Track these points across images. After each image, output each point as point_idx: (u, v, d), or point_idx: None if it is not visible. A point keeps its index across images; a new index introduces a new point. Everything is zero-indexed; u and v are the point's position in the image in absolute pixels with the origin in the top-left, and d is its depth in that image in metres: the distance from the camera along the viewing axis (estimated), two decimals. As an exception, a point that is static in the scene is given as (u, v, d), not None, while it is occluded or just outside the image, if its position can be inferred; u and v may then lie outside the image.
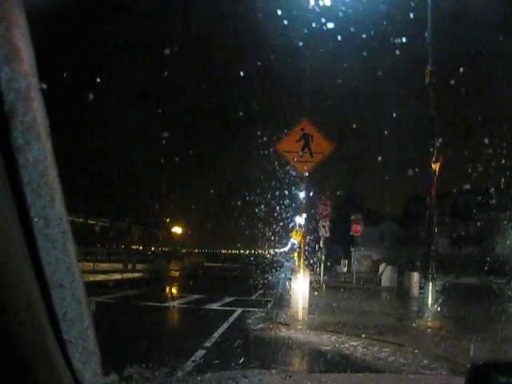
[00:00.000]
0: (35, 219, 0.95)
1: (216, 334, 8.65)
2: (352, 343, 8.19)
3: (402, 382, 1.57)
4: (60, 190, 1.04)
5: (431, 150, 12.01)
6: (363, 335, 8.72)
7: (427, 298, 11.58)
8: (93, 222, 39.92)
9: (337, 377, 1.63)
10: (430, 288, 11.58)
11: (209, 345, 7.65)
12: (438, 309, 11.47)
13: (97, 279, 22.30)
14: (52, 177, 1.00)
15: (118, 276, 25.83)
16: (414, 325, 10.54)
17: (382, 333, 9.01)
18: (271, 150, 11.34)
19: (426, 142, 12.34)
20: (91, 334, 1.12)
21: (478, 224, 39.13)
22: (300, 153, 10.85)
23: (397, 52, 15.03)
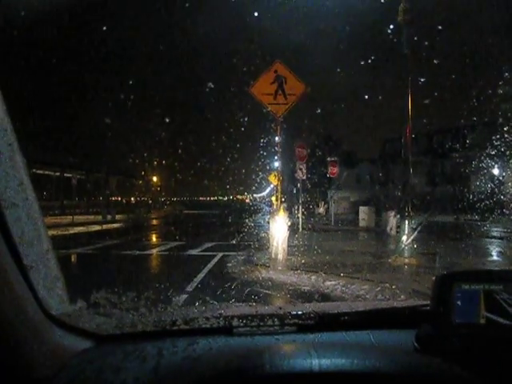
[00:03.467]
0: None
1: (197, 279, 8.73)
2: (331, 282, 8.35)
3: (374, 306, 1.57)
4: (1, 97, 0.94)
5: (406, 89, 11.99)
6: (342, 274, 8.89)
7: (403, 236, 11.82)
8: (69, 175, 39.33)
9: (310, 305, 1.61)
10: (407, 226, 11.81)
11: (190, 289, 7.72)
12: (415, 246, 11.73)
13: (76, 231, 22.25)
14: None
15: (97, 227, 25.75)
16: (391, 262, 10.77)
17: (360, 271, 9.19)
18: (246, 94, 11.07)
19: (400, 82, 12.30)
20: (52, 258, 1.05)
21: (454, 163, 39.68)
22: (274, 95, 10.69)
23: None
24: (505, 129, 17.33)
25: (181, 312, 1.55)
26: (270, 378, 0.85)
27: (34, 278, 1.00)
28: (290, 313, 1.35)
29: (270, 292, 7.83)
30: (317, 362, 0.87)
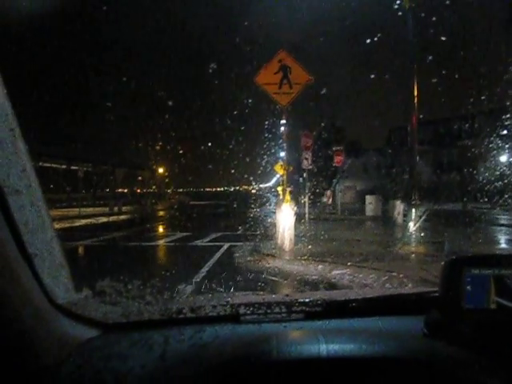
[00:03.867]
0: None
1: (204, 269, 8.75)
2: (338, 271, 8.34)
3: (381, 293, 1.56)
4: (0, 80, 0.92)
5: (411, 78, 11.91)
6: (349, 263, 8.88)
7: (410, 224, 11.80)
8: (75, 167, 39.48)
9: (318, 293, 1.61)
10: (413, 215, 11.79)
11: (197, 280, 7.73)
12: (422, 234, 11.70)
13: (83, 224, 22.34)
14: None
15: (104, 219, 25.85)
16: (398, 251, 10.75)
17: (367, 260, 9.18)
18: (252, 83, 11.04)
19: (406, 71, 12.21)
20: (56, 246, 1.04)
21: (461, 150, 39.42)
22: (279, 84, 10.65)
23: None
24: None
25: (187, 300, 1.55)
26: (278, 364, 0.85)
27: (39, 267, 0.99)
28: (297, 300, 1.34)
29: (277, 281, 7.85)
30: (325, 348, 0.86)
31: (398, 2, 11.61)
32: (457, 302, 1.15)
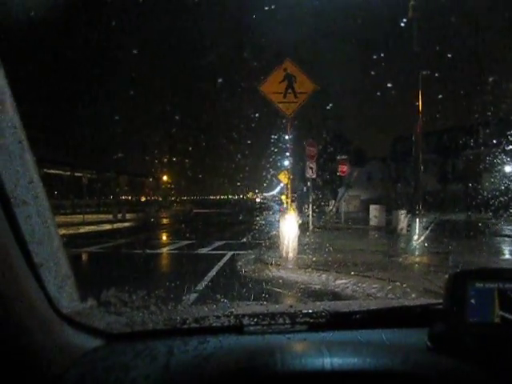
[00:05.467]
0: None
1: (207, 278, 8.74)
2: (342, 281, 8.32)
3: (385, 305, 1.56)
4: (10, 94, 0.93)
5: (416, 87, 11.93)
6: (352, 273, 8.86)
7: (415, 234, 11.77)
8: (80, 174, 39.60)
9: (321, 304, 1.61)
10: (417, 225, 11.77)
11: (200, 288, 7.73)
12: (426, 245, 11.67)
13: (87, 230, 22.37)
14: (1, 79, 0.89)
15: (108, 226, 25.89)
16: (402, 261, 10.71)
17: (371, 270, 9.15)
18: (257, 92, 11.08)
19: (410, 80, 12.24)
20: (62, 256, 1.05)
21: (466, 161, 39.38)
22: (284, 94, 10.69)
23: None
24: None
25: (191, 310, 1.55)
26: (282, 376, 0.85)
27: (45, 276, 1.00)
28: (300, 311, 1.34)
29: (280, 291, 7.83)
30: (329, 361, 0.86)
31: (403, 15, 11.67)
32: (461, 315, 1.14)
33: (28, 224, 0.95)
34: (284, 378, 0.85)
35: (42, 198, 1.00)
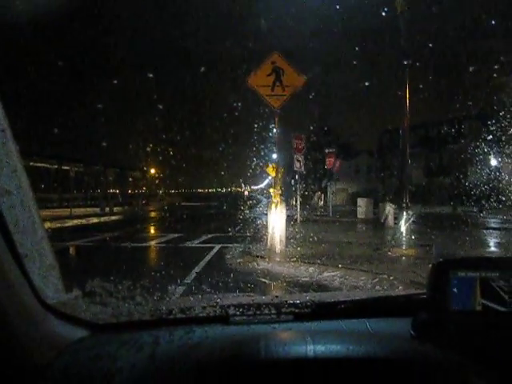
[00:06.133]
0: None
1: (195, 271, 8.73)
2: (329, 273, 8.36)
3: (370, 295, 1.57)
4: None
5: (403, 81, 11.98)
6: (340, 265, 8.89)
7: (401, 227, 11.84)
8: (67, 167, 39.28)
9: (307, 294, 1.62)
10: (404, 218, 11.83)
11: (188, 281, 7.72)
12: (412, 237, 11.75)
13: (74, 224, 22.23)
14: None
15: (95, 220, 25.75)
16: (389, 253, 10.79)
17: (358, 262, 9.20)
18: (244, 86, 11.03)
19: (397, 75, 12.29)
20: (47, 246, 1.04)
21: (451, 154, 39.68)
22: (272, 87, 10.66)
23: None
24: (500, 118, 17.31)
25: (177, 301, 1.56)
26: (266, 363, 0.86)
27: (29, 267, 0.99)
28: (286, 301, 1.35)
29: (267, 283, 7.85)
30: (312, 348, 0.87)
31: (388, 7, 11.68)
32: (443, 303, 1.16)
33: (12, 214, 0.94)
34: (268, 365, 0.86)
35: (26, 187, 0.99)
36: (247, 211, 27.51)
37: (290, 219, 13.52)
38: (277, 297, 1.45)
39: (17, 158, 0.96)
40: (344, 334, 1.16)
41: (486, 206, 19.57)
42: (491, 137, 19.54)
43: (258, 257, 10.22)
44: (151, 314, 1.25)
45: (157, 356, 1.02)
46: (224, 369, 0.87)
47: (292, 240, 11.97)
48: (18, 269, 0.95)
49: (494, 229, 18.46)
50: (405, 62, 11.86)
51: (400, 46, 11.92)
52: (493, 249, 12.62)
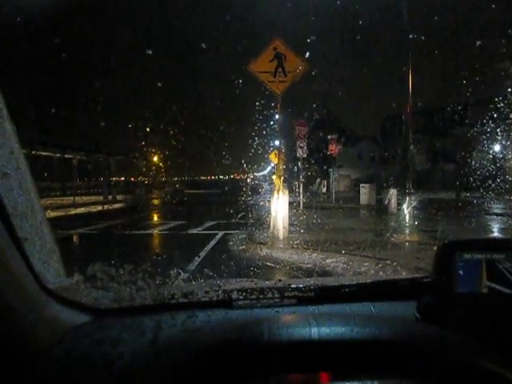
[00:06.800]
0: None
1: (198, 257, 8.76)
2: (333, 259, 8.36)
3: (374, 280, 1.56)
4: None
5: (406, 66, 11.92)
6: (343, 251, 8.91)
7: (405, 213, 11.85)
8: (70, 156, 39.27)
9: (311, 279, 1.61)
10: (407, 204, 11.83)
11: (192, 268, 7.74)
12: (416, 223, 11.76)
13: (77, 212, 22.29)
14: None
15: (99, 208, 25.78)
16: (392, 239, 10.79)
17: (361, 248, 9.20)
18: (246, 73, 10.98)
19: (400, 61, 12.24)
20: (47, 230, 1.03)
21: (455, 140, 39.50)
22: (273, 73, 10.62)
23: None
24: (505, 104, 17.20)
25: (179, 286, 1.55)
26: (269, 346, 0.85)
27: (29, 251, 0.98)
28: (289, 285, 1.34)
29: (270, 269, 7.87)
30: (316, 331, 0.86)
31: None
32: (449, 286, 1.15)
33: (10, 197, 0.93)
34: (271, 348, 0.85)
35: (24, 169, 0.97)
36: (250, 198, 27.47)
37: (292, 206, 13.50)
38: (280, 281, 1.44)
39: (14, 138, 0.94)
40: (348, 316, 1.15)
41: (490, 192, 19.52)
42: (495, 122, 19.44)
43: (261, 243, 10.24)
44: (153, 299, 1.24)
45: (159, 340, 1.02)
46: (227, 352, 0.86)
47: (295, 226, 11.99)
48: (17, 253, 0.94)
49: (498, 214, 18.42)
50: (410, 36, 11.77)
51: (404, 29, 11.84)
52: (496, 233, 12.60)
